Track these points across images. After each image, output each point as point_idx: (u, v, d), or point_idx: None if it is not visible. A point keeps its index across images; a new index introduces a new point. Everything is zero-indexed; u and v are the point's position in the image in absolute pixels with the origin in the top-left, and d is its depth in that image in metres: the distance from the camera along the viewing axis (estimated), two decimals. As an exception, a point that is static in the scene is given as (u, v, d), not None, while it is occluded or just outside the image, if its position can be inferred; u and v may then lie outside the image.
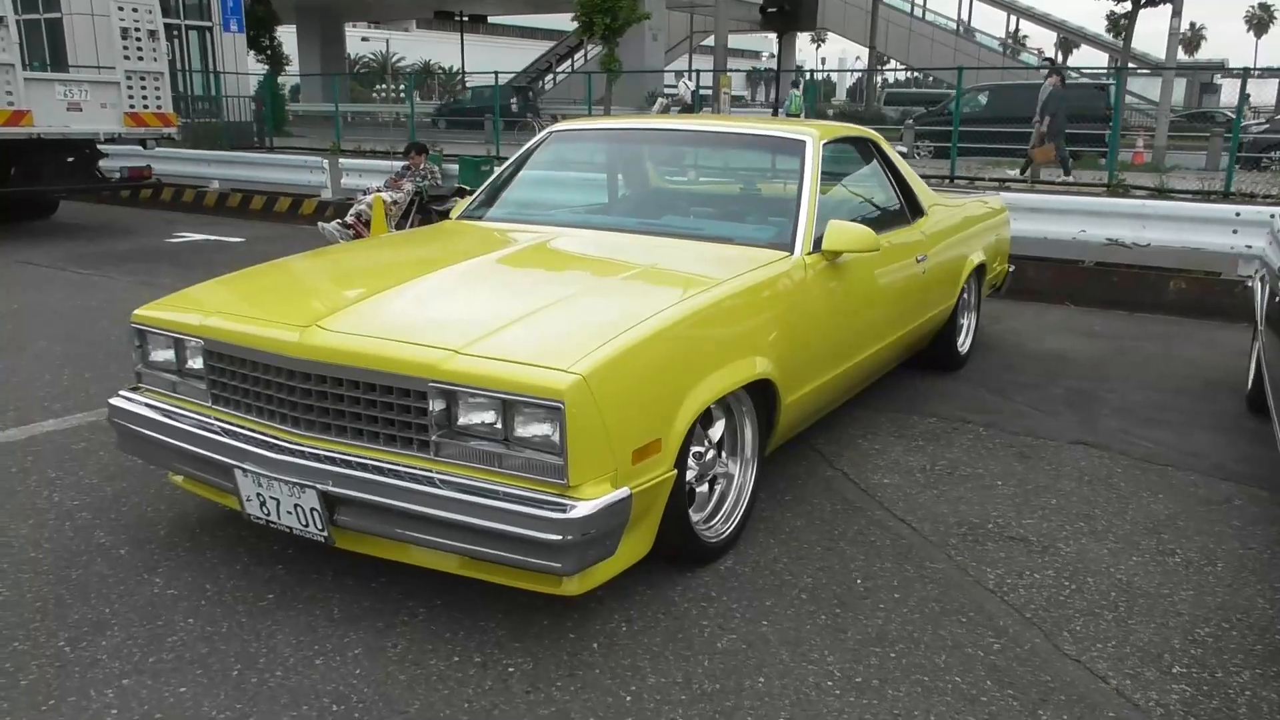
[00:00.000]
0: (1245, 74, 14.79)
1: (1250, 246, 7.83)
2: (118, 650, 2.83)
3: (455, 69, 59.70)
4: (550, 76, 48.52)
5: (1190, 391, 5.68)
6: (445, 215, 10.63)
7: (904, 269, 4.74)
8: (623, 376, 2.80)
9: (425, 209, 10.79)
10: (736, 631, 3.00)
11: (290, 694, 2.65)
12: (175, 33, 21.21)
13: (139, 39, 11.08)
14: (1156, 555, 3.61)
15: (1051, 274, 8.51)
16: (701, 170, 5.27)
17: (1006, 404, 5.37)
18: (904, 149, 17.84)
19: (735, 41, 44.84)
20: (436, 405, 2.77)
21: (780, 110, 24.79)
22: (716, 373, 3.21)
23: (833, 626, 3.04)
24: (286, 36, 38.17)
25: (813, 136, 4.35)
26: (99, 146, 11.62)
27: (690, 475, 3.23)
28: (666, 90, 24.52)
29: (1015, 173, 15.74)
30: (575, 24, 26.92)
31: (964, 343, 6.06)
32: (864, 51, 45.33)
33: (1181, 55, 24.31)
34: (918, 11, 46.66)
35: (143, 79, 11.23)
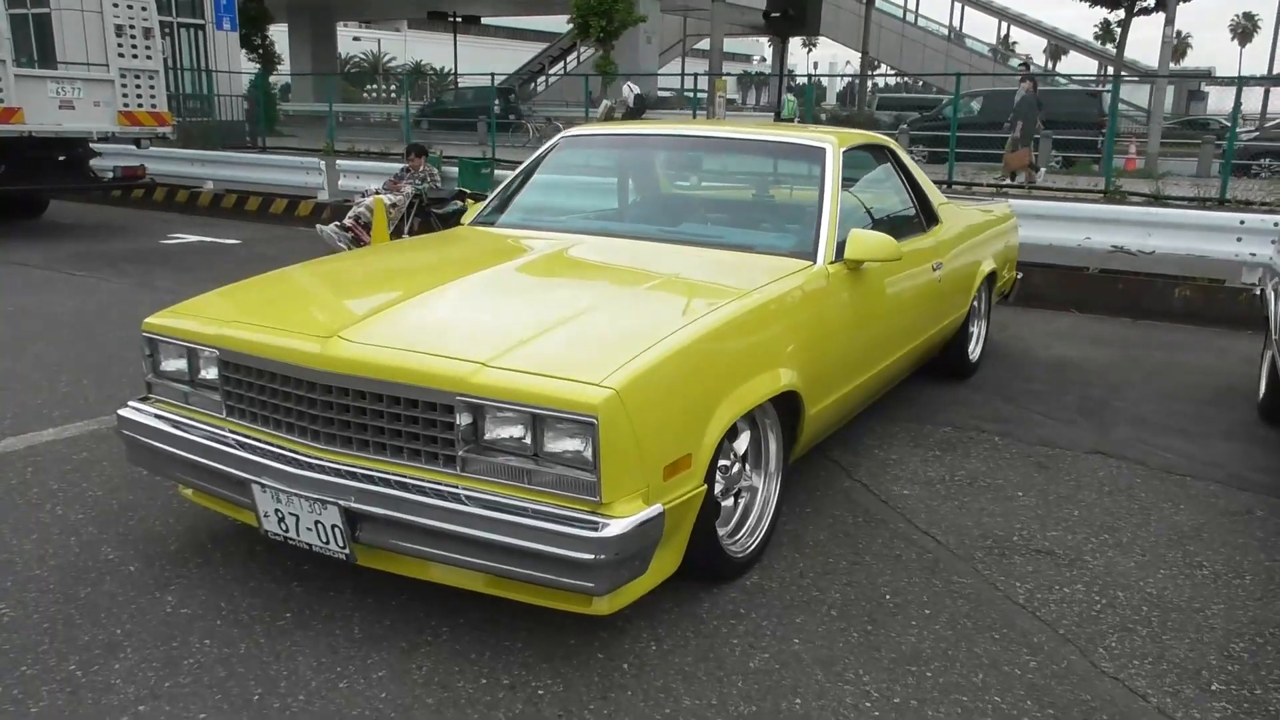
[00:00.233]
0: (1241, 82, 14.80)
1: (1254, 254, 7.82)
2: (132, 674, 2.74)
3: (446, 69, 59.56)
4: (543, 78, 48.44)
5: (1202, 400, 5.65)
6: (445, 218, 10.61)
7: (921, 277, 4.68)
8: (655, 390, 2.73)
9: (425, 212, 10.70)
10: (768, 650, 2.93)
11: None
12: (167, 30, 21.01)
13: (134, 36, 10.96)
14: (1184, 568, 3.55)
15: (1057, 281, 8.48)
16: (719, 177, 5.20)
17: (1020, 413, 5.32)
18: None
19: (727, 45, 44.80)
20: (463, 419, 2.70)
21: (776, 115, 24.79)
22: (745, 385, 3.14)
23: (865, 644, 2.98)
24: (278, 35, 37.96)
25: (832, 143, 4.29)
26: (92, 145, 11.49)
27: (717, 489, 3.17)
28: (626, 90, 24.84)
29: (996, 178, 15.73)
30: (570, 26, 26.93)
31: (975, 350, 6.01)
32: (854, 56, 45.39)
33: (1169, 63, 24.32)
34: (910, 17, 46.75)
35: (137, 77, 11.12)
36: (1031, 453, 4.71)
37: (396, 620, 3.04)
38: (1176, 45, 19.68)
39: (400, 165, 11.55)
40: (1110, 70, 41.42)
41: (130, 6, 10.94)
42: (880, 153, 4.91)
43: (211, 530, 3.63)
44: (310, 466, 2.88)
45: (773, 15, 19.08)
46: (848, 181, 4.28)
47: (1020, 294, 7.30)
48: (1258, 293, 6.35)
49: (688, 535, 2.97)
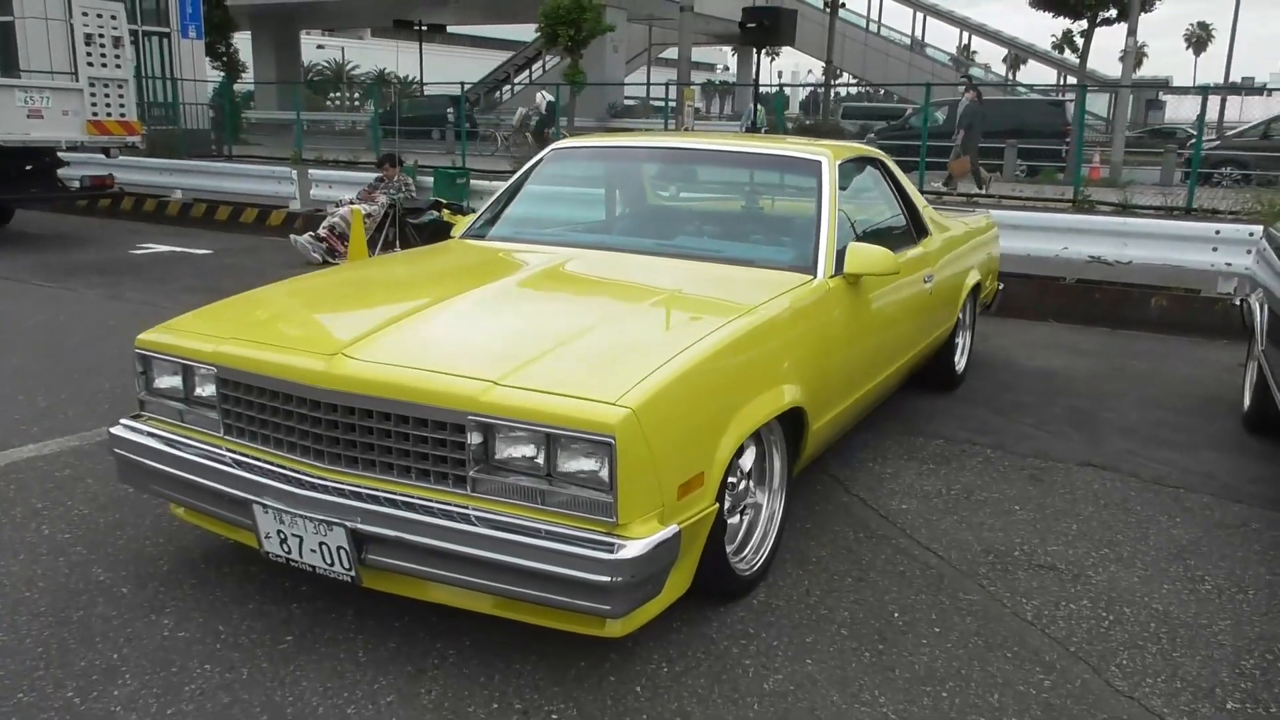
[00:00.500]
0: (1205, 91, 15.02)
1: (1230, 264, 7.91)
2: (132, 700, 2.66)
3: (410, 77, 59.29)
4: (508, 87, 48.33)
5: (1187, 410, 5.68)
6: (420, 228, 10.52)
7: (914, 289, 4.68)
8: (669, 409, 2.69)
9: (400, 222, 10.60)
10: (781, 671, 2.89)
11: (324, 746, 2.50)
12: (132, 38, 20.74)
13: (103, 45, 10.79)
14: (1187, 582, 3.56)
15: (1034, 291, 8.53)
16: (713, 190, 5.17)
17: (1010, 425, 5.33)
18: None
19: (692, 54, 44.89)
20: (474, 439, 2.64)
21: (743, 124, 24.87)
22: (754, 402, 3.11)
23: (879, 664, 2.95)
24: (241, 43, 37.64)
25: (828, 156, 4.28)
26: (60, 155, 11.29)
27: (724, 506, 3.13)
28: (539, 98, 25.25)
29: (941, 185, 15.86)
30: (537, 35, 26.89)
31: (961, 362, 6.02)
32: (816, 65, 45.56)
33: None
34: (873, 27, 47.11)
35: (106, 86, 10.95)
36: (1024, 465, 4.72)
37: (401, 643, 2.97)
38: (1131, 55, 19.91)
39: (374, 175, 11.46)
40: (1068, 79, 41.98)
41: (100, 16, 10.78)
42: (872, 165, 4.91)
43: (204, 550, 3.55)
44: (315, 487, 2.82)
45: (749, 26, 19.10)
46: (842, 194, 4.26)
47: (999, 304, 7.33)
48: (1236, 302, 6.41)
49: (699, 554, 2.93)
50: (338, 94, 61.62)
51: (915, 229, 5.02)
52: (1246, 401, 5.47)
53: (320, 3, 43.05)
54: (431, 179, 11.25)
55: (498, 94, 46.91)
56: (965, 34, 53.88)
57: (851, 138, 25.28)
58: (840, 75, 45.33)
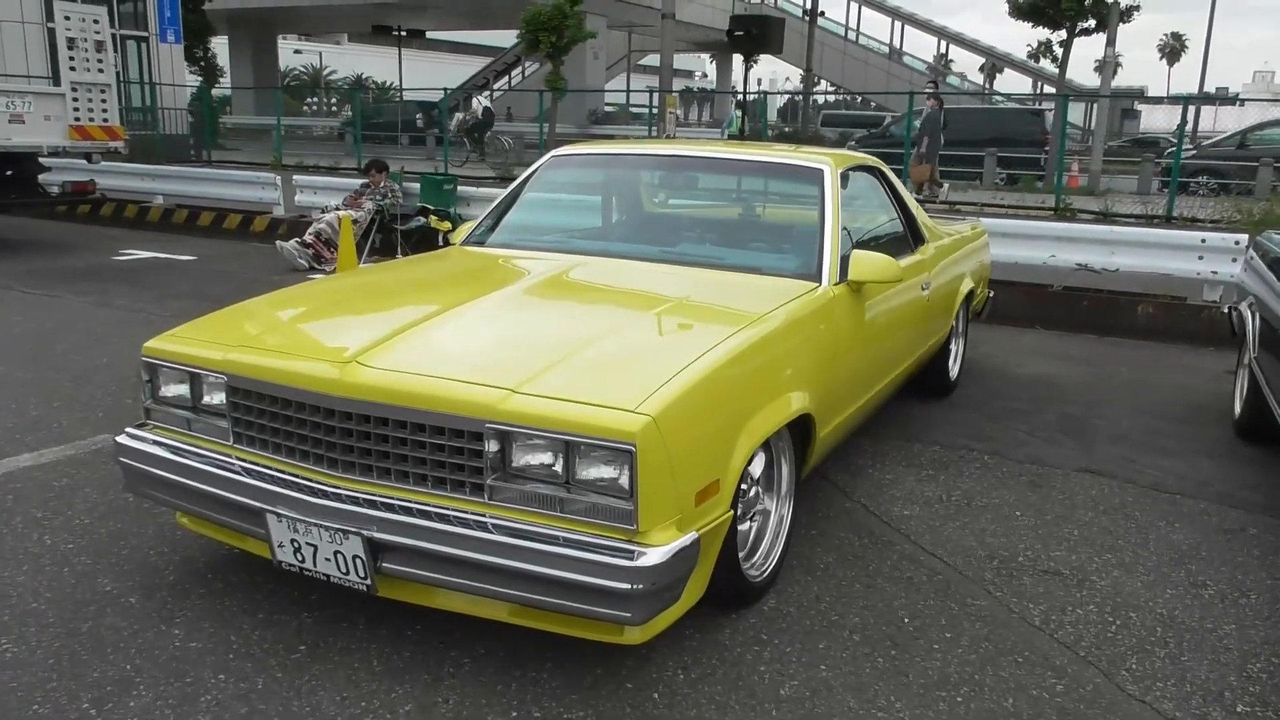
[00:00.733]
0: (1186, 101, 15.19)
1: (1215, 273, 8.00)
2: (148, 711, 2.64)
3: (389, 83, 59.05)
4: (487, 93, 48.23)
5: (1178, 417, 5.74)
6: (408, 234, 10.49)
7: (913, 297, 4.71)
8: (687, 417, 2.70)
9: (386, 228, 10.57)
10: (796, 677, 2.90)
11: (344, 756, 2.49)
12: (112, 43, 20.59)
13: (86, 50, 10.70)
14: (1189, 588, 3.59)
15: (1021, 298, 8.59)
16: (716, 198, 5.18)
17: (1004, 431, 5.36)
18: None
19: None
20: (492, 447, 2.64)
21: (723, 131, 24.94)
22: (766, 409, 3.13)
23: (892, 670, 2.96)
24: (218, 48, 37.39)
25: (830, 165, 4.30)
26: (41, 160, 11.19)
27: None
28: (475, 103, 25.49)
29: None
30: (518, 41, 26.86)
31: (954, 368, 6.06)
32: (794, 72, 45.69)
33: (1098, 82, 24.93)
34: (851, 35, 47.35)
35: (89, 91, 10.85)
36: (1022, 471, 4.75)
37: (415, 652, 2.96)
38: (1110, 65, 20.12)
39: (359, 181, 11.42)
40: (1043, 88, 42.31)
41: (83, 20, 10.68)
42: (871, 173, 4.93)
43: (209, 559, 3.52)
44: (330, 496, 2.81)
45: (736, 34, 19.18)
46: (842, 202, 4.29)
47: (989, 311, 7.38)
48: (1225, 310, 6.47)
49: (714, 561, 2.93)
50: (314, 99, 61.22)
51: (913, 237, 5.05)
52: (1238, 409, 5.53)
53: (299, 8, 42.79)
54: (418, 185, 11.20)
55: (475, 101, 46.79)
56: (943, 43, 54.26)
57: (831, 145, 25.43)
58: (818, 83, 45.54)
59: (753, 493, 3.31)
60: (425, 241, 10.40)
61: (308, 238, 10.14)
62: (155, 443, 3.24)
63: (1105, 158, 21.88)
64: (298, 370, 2.90)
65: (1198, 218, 12.89)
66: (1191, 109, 17.33)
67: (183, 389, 3.20)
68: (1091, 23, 21.79)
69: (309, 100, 61.63)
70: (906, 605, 3.37)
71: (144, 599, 3.23)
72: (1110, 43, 20.35)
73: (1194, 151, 23.28)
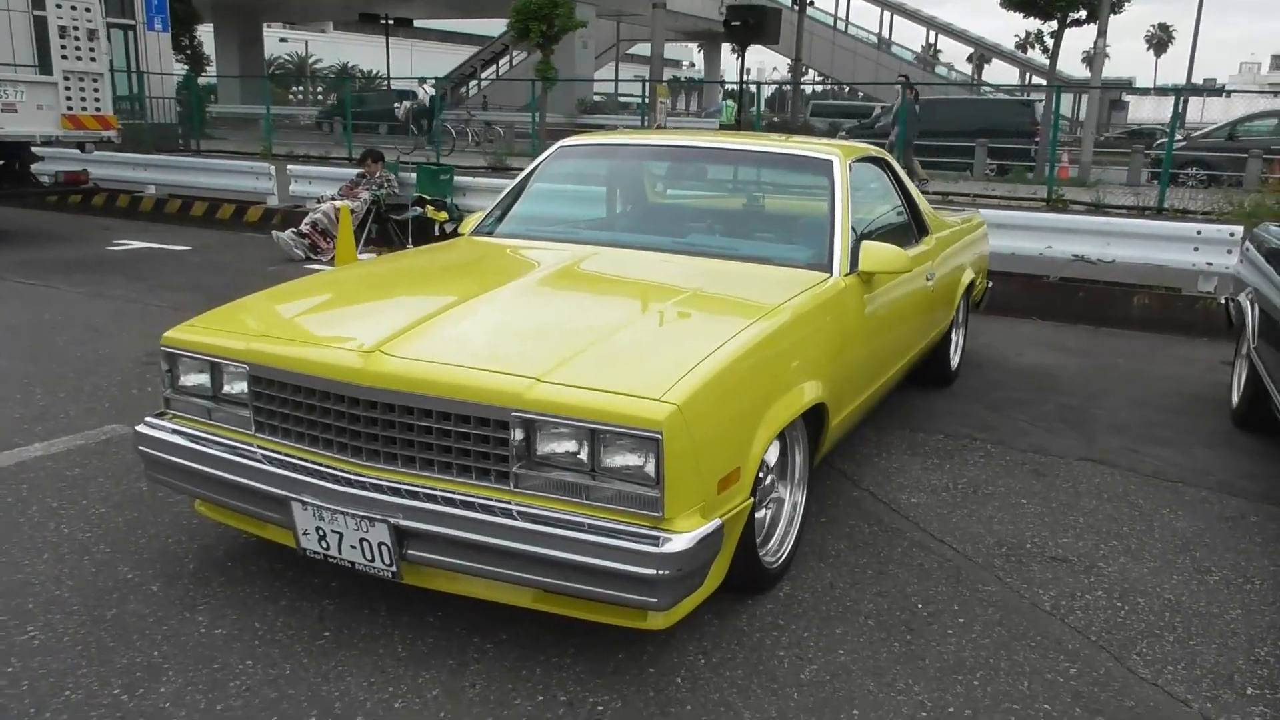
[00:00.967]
0: (1178, 92, 15.27)
1: (1210, 264, 8.07)
2: (179, 697, 2.66)
3: (376, 72, 58.86)
4: (475, 82, 48.15)
5: (1176, 408, 5.80)
6: (404, 225, 10.48)
7: (919, 287, 4.75)
8: (711, 405, 2.73)
9: (382, 219, 10.56)
10: (816, 662, 2.95)
11: (374, 740, 2.52)
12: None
13: (78, 38, 10.65)
14: (1194, 574, 3.65)
15: (1017, 289, 8.65)
16: (725, 188, 5.21)
17: (1006, 421, 5.42)
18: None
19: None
20: (517, 435, 2.67)
21: (719, 119, 24.96)
22: (784, 398, 3.17)
23: (909, 654, 3.01)
24: (204, 36, 37.19)
25: (839, 156, 4.34)
26: (34, 149, 11.13)
27: (754, 501, 3.18)
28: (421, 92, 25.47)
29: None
30: (508, 30, 26.78)
31: (955, 358, 6.11)
32: (781, 62, 45.66)
33: (1087, 73, 25.02)
34: (840, 25, 47.36)
35: (81, 80, 10.80)
36: (1026, 460, 4.81)
37: (439, 638, 2.99)
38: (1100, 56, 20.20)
39: (354, 171, 11.40)
40: (1031, 78, 42.45)
41: (74, 8, 10.63)
42: (876, 164, 4.97)
43: (228, 547, 3.55)
44: (356, 484, 2.83)
45: (733, 24, 19.20)
46: (851, 193, 4.32)
47: (988, 302, 7.44)
48: (1222, 301, 6.55)
49: (734, 547, 2.98)
50: (300, 88, 60.93)
51: (917, 227, 5.10)
52: (1235, 398, 5.60)
53: (285, -5, 42.71)
54: (414, 175, 11.19)
55: (464, 89, 46.68)
56: (931, 33, 54.32)
57: (821, 135, 25.49)
58: (806, 72, 45.55)
59: (768, 480, 3.36)
60: (422, 231, 10.40)
61: (303, 228, 10.13)
62: (175, 431, 3.25)
63: (1096, 149, 22.00)
64: (322, 360, 2.92)
65: (1189, 209, 12.98)
66: (1172, 100, 17.52)
67: (203, 378, 3.22)
68: (1083, 13, 21.87)
69: (294, 90, 61.35)
70: (919, 591, 3.42)
71: (165, 586, 3.26)
72: (1101, 33, 20.41)
73: (1184, 143, 23.46)
